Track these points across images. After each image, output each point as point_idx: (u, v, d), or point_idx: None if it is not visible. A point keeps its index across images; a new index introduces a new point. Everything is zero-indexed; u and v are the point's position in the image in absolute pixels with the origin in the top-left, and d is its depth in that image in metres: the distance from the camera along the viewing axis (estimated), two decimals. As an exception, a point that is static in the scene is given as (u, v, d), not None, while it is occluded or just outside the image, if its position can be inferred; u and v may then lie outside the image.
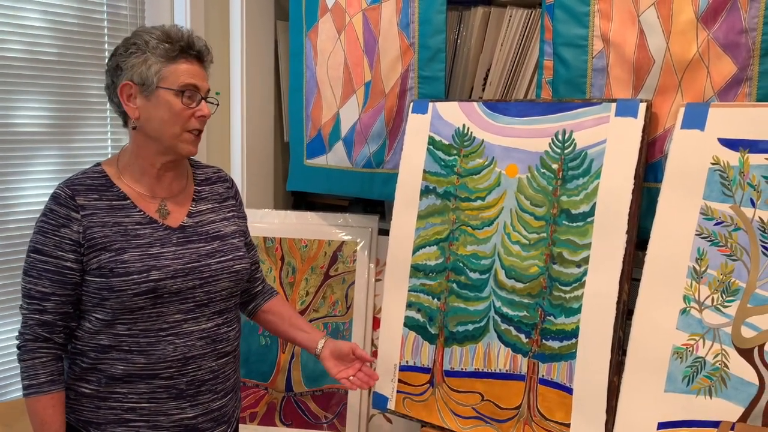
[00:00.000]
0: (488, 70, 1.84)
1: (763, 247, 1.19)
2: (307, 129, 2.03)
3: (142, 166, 1.33)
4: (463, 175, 1.60)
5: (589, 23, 1.45)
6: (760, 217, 1.20)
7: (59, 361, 1.30)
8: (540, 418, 1.45)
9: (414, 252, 1.66)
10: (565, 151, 1.45)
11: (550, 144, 1.48)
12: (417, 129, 1.69)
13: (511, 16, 1.78)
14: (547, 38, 1.52)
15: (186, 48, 1.29)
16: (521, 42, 1.77)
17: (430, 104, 1.68)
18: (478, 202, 1.57)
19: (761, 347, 1.18)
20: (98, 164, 1.36)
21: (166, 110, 1.28)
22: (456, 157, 1.62)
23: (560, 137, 1.46)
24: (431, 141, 1.66)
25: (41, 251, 1.26)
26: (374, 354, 1.84)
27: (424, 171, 1.66)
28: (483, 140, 1.57)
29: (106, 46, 2.01)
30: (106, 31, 1.99)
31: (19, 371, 1.29)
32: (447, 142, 1.63)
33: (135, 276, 1.25)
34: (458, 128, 1.62)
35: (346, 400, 1.97)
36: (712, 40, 1.30)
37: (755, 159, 1.22)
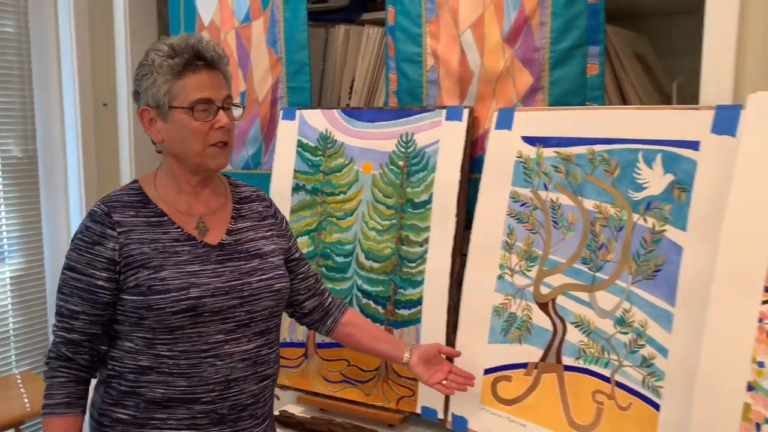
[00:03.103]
0: (353, 80, 2.09)
1: (554, 221, 1.51)
2: (191, 136, 2.21)
3: (178, 185, 1.30)
4: (327, 173, 1.85)
5: (422, 43, 1.73)
6: (550, 198, 1.51)
7: (80, 384, 1.25)
8: (395, 377, 1.71)
9: (288, 242, 1.89)
10: (408, 150, 1.72)
11: (396, 144, 1.74)
12: (287, 134, 1.91)
13: (368, 34, 2.04)
14: (391, 55, 1.79)
15: (191, 59, 1.22)
16: (378, 56, 2.03)
17: (298, 112, 1.91)
18: (341, 196, 1.82)
19: (553, 301, 1.48)
20: (135, 181, 1.33)
21: (184, 130, 1.23)
22: (321, 157, 1.86)
23: (404, 139, 1.73)
24: (300, 144, 1.89)
25: (74, 269, 1.23)
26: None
27: (295, 171, 1.89)
28: (343, 142, 1.82)
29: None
30: (-10, 48, 2.10)
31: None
32: (313, 145, 1.87)
33: (174, 293, 1.20)
34: (322, 132, 1.86)
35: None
36: (515, 56, 1.60)
37: (547, 152, 1.53)
